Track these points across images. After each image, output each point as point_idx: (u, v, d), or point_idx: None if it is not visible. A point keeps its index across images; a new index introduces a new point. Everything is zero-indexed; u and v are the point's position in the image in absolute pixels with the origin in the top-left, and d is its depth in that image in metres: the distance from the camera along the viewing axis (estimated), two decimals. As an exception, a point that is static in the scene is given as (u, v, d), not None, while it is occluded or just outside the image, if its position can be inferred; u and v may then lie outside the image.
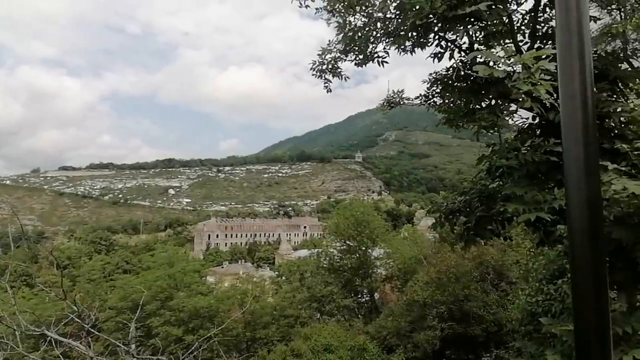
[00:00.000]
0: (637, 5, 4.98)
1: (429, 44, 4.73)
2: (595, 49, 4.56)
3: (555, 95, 3.14)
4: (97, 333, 4.04)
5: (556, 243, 3.87)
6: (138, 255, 58.25)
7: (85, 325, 3.71)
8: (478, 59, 3.07)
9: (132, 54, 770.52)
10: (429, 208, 4.99)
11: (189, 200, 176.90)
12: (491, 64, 2.89)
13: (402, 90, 6.53)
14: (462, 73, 4.39)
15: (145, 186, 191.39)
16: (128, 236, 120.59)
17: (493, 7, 3.55)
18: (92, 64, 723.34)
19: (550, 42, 4.46)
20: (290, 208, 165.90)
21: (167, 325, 15.29)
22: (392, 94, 6.42)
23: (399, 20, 4.60)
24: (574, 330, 1.25)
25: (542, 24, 4.61)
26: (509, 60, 2.55)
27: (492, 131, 4.80)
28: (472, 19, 3.67)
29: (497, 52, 3.29)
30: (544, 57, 2.45)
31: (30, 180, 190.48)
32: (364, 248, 26.09)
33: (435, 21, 3.82)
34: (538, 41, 4.53)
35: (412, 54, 5.47)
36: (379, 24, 5.18)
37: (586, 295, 1.23)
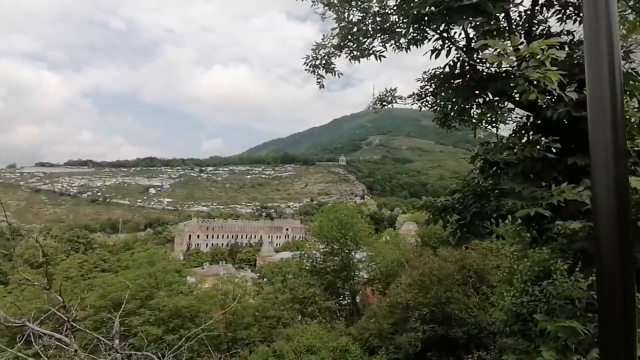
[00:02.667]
0: (628, 12, 5.16)
1: (427, 40, 4.75)
2: None
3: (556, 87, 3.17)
4: (80, 328, 3.84)
5: (550, 241, 3.92)
6: (116, 254, 56.64)
7: (68, 319, 3.51)
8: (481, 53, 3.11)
9: (115, 50, 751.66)
10: (422, 204, 4.98)
11: (170, 200, 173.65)
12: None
13: (395, 89, 6.55)
14: (459, 70, 4.42)
15: (126, 185, 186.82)
16: (106, 235, 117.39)
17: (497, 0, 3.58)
18: (74, 59, 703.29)
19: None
20: (272, 210, 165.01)
21: (146, 325, 14.88)
22: (384, 93, 6.43)
23: (399, 15, 4.60)
24: (598, 309, 1.23)
25: (538, 25, 4.71)
26: (517, 50, 2.55)
27: (487, 128, 4.86)
28: (475, 11, 3.69)
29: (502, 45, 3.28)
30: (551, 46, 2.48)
31: (6, 176, 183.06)
32: (347, 251, 26.13)
33: (437, 13, 3.82)
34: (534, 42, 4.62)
35: (407, 51, 5.51)
36: (375, 19, 5.17)
37: (613, 278, 1.21)
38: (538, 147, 3.57)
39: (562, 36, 4.34)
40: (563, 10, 4.66)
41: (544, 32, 4.65)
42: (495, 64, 2.71)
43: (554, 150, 3.64)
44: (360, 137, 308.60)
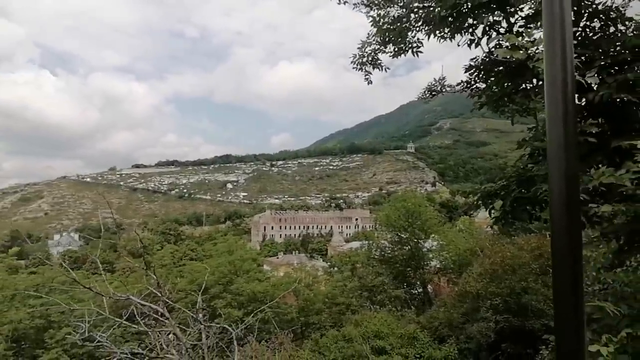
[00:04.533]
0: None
1: (467, 30, 4.73)
2: None
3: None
4: (172, 303, 4.74)
5: (596, 224, 3.78)
6: (202, 245, 62.64)
7: (162, 295, 4.41)
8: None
9: (191, 57, 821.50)
10: (466, 191, 5.01)
11: (245, 194, 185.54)
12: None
13: (444, 78, 6.52)
14: (498, 57, 4.34)
15: (206, 181, 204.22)
16: (193, 227, 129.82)
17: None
18: (157, 69, 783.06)
19: (595, 19, 4.26)
20: (341, 200, 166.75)
21: (228, 307, 16.58)
22: (433, 82, 6.45)
23: (436, 8, 4.66)
24: (552, 286, 1.44)
25: (585, 1, 4.40)
26: (531, 41, 2.58)
27: (526, 115, 4.70)
28: (499, 6, 3.64)
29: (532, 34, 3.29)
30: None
31: (109, 178, 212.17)
32: (415, 240, 25.77)
33: (464, 10, 3.84)
34: (583, 19, 4.34)
35: (451, 41, 5.50)
36: (416, 13, 5.26)
37: (564, 255, 1.42)
38: (580, 131, 3.44)
39: (610, 15, 4.03)
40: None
41: (590, 10, 4.32)
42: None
43: (597, 131, 3.48)
44: (429, 122, 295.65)
